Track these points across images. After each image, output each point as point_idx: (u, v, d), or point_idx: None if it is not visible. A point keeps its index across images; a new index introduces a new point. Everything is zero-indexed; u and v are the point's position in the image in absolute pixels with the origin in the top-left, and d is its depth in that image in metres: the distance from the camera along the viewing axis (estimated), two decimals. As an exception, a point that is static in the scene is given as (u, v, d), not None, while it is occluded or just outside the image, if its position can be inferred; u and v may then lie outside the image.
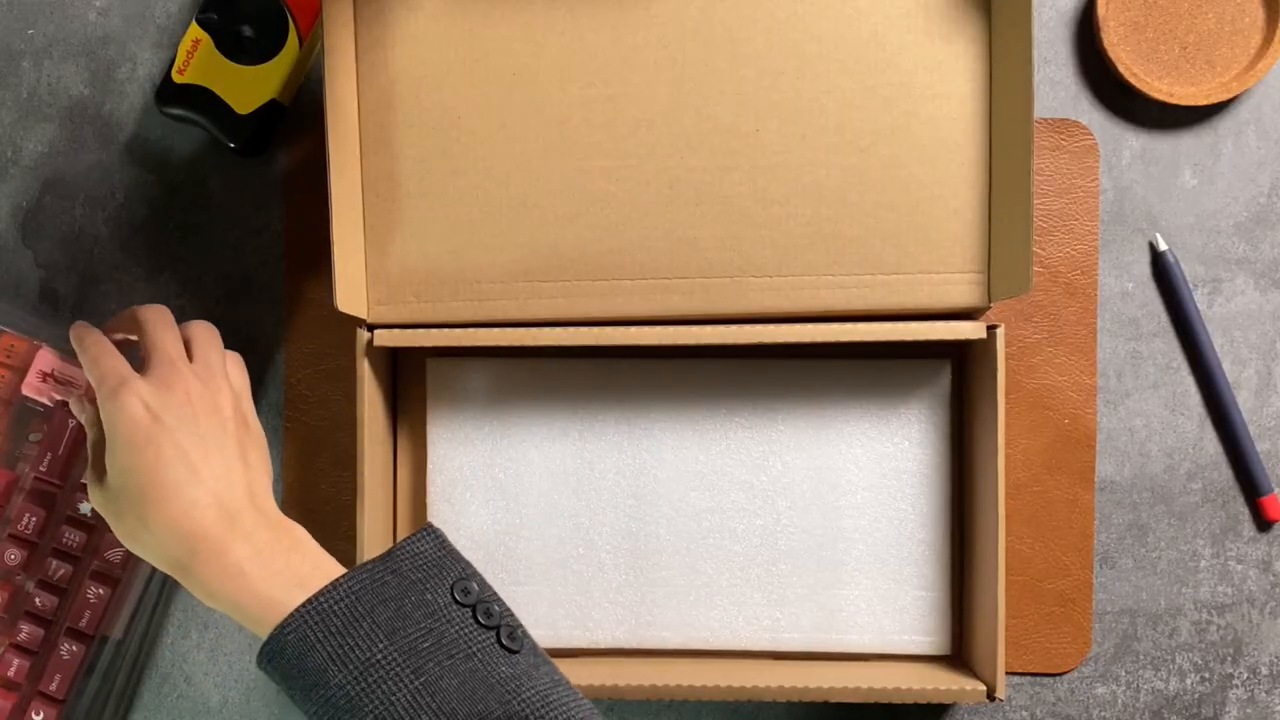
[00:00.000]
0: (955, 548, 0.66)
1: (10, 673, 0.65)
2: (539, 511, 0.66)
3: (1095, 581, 0.67)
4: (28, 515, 0.64)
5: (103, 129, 0.69)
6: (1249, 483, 0.67)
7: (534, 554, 0.66)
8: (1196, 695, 0.67)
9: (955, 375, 0.66)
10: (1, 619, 0.65)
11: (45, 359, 0.65)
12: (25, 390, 0.65)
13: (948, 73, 0.61)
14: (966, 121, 0.61)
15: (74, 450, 0.65)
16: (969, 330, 0.60)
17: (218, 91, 0.65)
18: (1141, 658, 0.67)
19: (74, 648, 0.65)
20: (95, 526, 0.65)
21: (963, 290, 0.61)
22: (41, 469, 0.64)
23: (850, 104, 0.61)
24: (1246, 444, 0.66)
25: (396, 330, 0.61)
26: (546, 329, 0.61)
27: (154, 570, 0.66)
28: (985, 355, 0.61)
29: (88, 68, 0.69)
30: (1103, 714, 0.67)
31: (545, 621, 0.66)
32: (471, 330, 0.61)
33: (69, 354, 0.65)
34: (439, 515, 0.66)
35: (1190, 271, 0.67)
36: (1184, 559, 0.67)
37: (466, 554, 0.65)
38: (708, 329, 0.60)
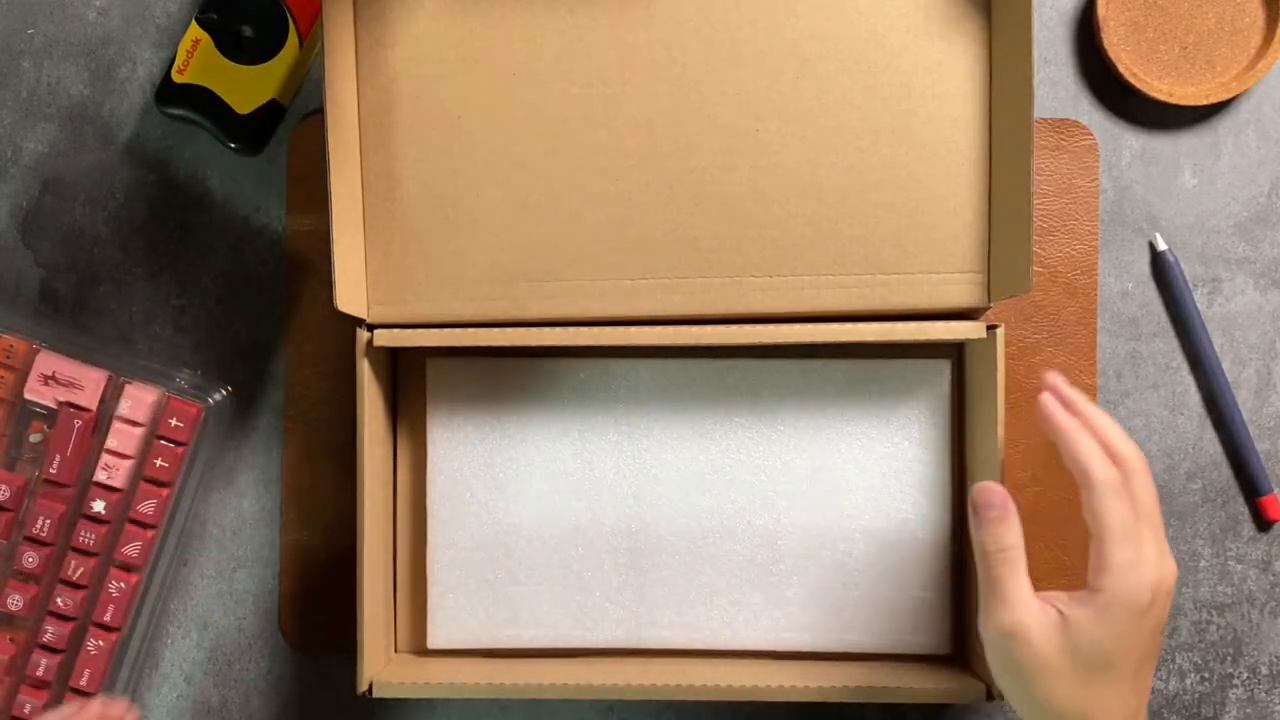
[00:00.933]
0: (956, 548, 0.66)
1: (39, 672, 0.65)
2: (539, 511, 0.66)
3: (1095, 581, 0.67)
4: (42, 518, 0.65)
5: (103, 129, 0.69)
6: (1249, 483, 0.67)
7: (534, 554, 0.66)
8: (1196, 695, 0.67)
9: (955, 375, 0.66)
10: (26, 620, 0.65)
11: (47, 361, 0.65)
12: (28, 395, 0.65)
13: (947, 72, 0.61)
14: (966, 121, 0.61)
15: (82, 449, 0.65)
16: (969, 330, 0.60)
17: (218, 91, 0.65)
18: (1141, 658, 0.67)
19: (101, 642, 0.65)
20: (111, 522, 0.65)
21: (963, 290, 0.61)
22: (52, 470, 0.64)
23: (850, 104, 0.61)
24: (1246, 444, 0.66)
25: (396, 330, 0.61)
26: (546, 329, 0.61)
27: (156, 565, 0.66)
28: (985, 355, 0.61)
29: (88, 68, 0.69)
30: (1103, 714, 0.67)
31: (545, 622, 0.66)
32: (471, 330, 0.61)
33: (68, 354, 0.65)
34: (438, 515, 0.66)
35: (1190, 271, 0.67)
36: (1184, 559, 0.67)
37: (466, 554, 0.66)
38: (708, 329, 0.60)
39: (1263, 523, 0.67)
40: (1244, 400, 0.67)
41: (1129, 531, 0.51)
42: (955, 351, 0.66)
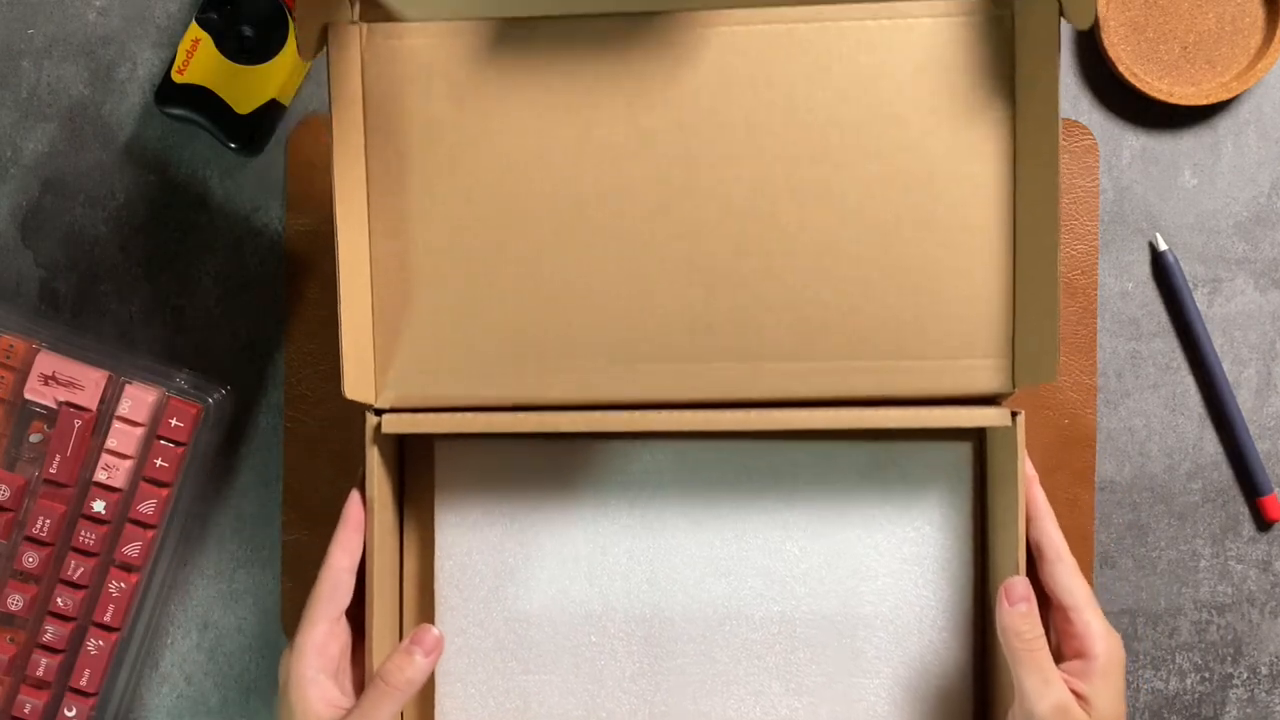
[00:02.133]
0: (978, 635, 0.63)
1: (39, 672, 0.65)
2: (550, 598, 0.64)
3: (1095, 581, 0.67)
4: (42, 518, 0.65)
5: (103, 129, 0.69)
6: (1249, 483, 0.67)
7: (545, 641, 0.64)
8: (1196, 695, 0.67)
9: (977, 458, 0.64)
10: (26, 620, 0.65)
11: (47, 361, 0.65)
12: (28, 395, 0.65)
13: (972, 155, 0.58)
14: (990, 203, 0.58)
15: (82, 449, 0.65)
16: (991, 417, 0.57)
17: (218, 91, 0.65)
18: (1141, 658, 0.67)
19: (101, 642, 0.65)
20: (111, 522, 0.65)
21: (986, 376, 0.59)
22: (52, 470, 0.64)
23: (871, 187, 0.59)
24: (1246, 444, 0.66)
25: (406, 415, 0.59)
26: (559, 413, 0.59)
27: (156, 565, 0.66)
28: (1007, 441, 0.58)
29: (88, 68, 0.69)
30: (1103, 714, 0.67)
31: (557, 712, 0.63)
32: (484, 415, 0.59)
33: (68, 355, 0.65)
34: (447, 602, 0.64)
35: (1190, 271, 0.67)
36: (1184, 559, 0.67)
37: (475, 641, 0.64)
38: (725, 414, 0.58)
39: (1263, 523, 0.67)
40: (1244, 400, 0.67)
41: (1094, 601, 0.57)
42: (977, 435, 0.64)
